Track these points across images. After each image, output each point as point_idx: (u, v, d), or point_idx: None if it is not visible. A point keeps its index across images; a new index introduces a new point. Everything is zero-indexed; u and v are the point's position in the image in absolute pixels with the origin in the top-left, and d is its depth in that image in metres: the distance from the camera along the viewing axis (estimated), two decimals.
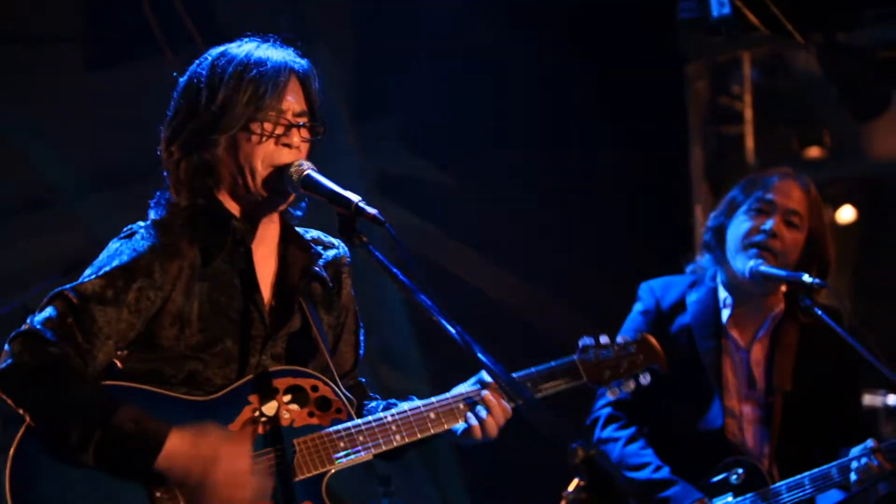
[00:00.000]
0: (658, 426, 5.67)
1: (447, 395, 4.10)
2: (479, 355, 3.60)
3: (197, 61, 4.04)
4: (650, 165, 9.22)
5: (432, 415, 4.05)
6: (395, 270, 3.73)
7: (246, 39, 4.06)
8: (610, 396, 4.37)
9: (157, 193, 4.03)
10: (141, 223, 3.98)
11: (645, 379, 4.36)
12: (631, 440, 5.58)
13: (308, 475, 3.90)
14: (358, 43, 8.67)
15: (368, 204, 3.79)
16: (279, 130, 3.95)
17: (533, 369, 4.20)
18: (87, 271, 3.88)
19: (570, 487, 5.49)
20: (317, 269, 4.13)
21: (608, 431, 5.64)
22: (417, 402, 4.08)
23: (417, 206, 8.73)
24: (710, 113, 9.75)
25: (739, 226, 5.62)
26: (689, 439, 5.57)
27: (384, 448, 3.99)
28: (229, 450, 3.75)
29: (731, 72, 9.71)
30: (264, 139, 3.93)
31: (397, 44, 8.49)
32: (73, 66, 7.73)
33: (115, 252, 3.90)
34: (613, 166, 9.11)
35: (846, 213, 9.93)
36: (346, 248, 4.24)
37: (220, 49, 4.04)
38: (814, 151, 9.71)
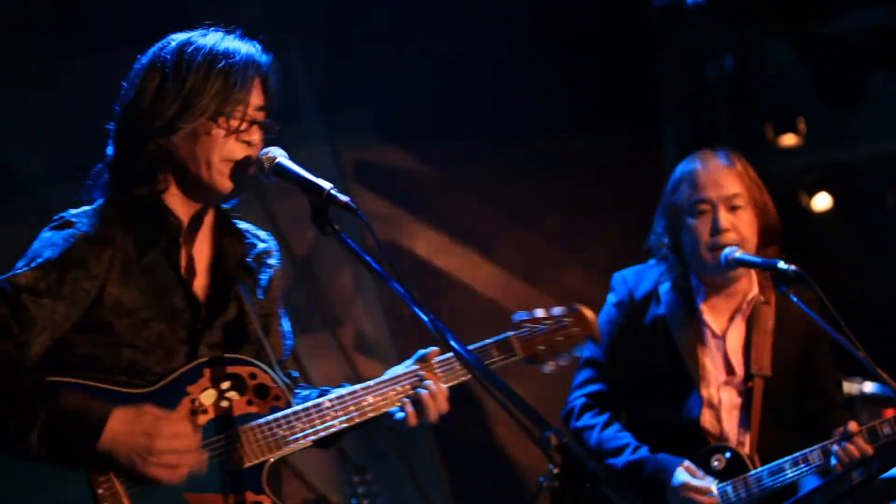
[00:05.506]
0: (635, 418, 5.66)
1: (383, 377, 4.10)
2: (452, 343, 3.59)
3: (158, 45, 4.00)
4: (624, 153, 9.22)
5: (370, 398, 4.04)
6: (367, 258, 3.72)
7: (211, 29, 4.03)
8: (547, 370, 4.31)
9: (95, 175, 4.01)
10: (73, 210, 3.95)
11: (579, 352, 4.33)
12: (606, 425, 5.58)
13: (249, 464, 3.89)
14: (330, 32, 8.65)
15: (340, 191, 3.78)
16: (243, 126, 3.95)
17: (470, 347, 4.13)
18: (20, 262, 3.85)
19: (545, 475, 5.47)
20: (249, 259, 4.12)
21: (584, 420, 5.63)
22: (354, 387, 4.07)
23: (390, 194, 8.72)
24: (684, 101, 9.75)
25: (691, 234, 5.58)
26: (667, 430, 5.56)
27: (323, 434, 3.99)
28: (169, 425, 3.76)
29: (706, 59, 9.71)
30: (226, 134, 3.93)
31: (369, 33, 8.47)
32: (44, 53, 7.69)
33: (48, 242, 3.86)
34: (587, 154, 9.11)
35: (822, 201, 9.94)
36: (275, 242, 4.25)
37: (185, 36, 4.01)
38: (788, 139, 9.71)
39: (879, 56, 9.38)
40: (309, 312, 8.44)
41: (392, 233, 8.55)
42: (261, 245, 4.20)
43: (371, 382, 4.07)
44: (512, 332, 4.28)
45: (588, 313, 4.39)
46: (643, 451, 5.47)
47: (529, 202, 9.12)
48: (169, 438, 3.74)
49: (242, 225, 4.19)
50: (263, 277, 4.17)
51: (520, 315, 4.32)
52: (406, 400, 4.08)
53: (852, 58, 9.33)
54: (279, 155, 3.93)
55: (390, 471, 8.56)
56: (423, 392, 4.08)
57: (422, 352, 4.14)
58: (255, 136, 3.97)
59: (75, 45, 7.70)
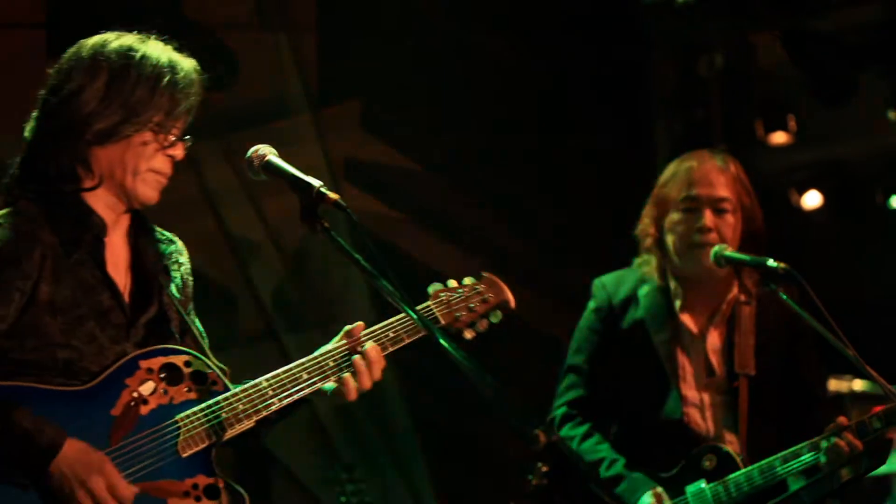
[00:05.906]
0: (619, 421, 5.67)
1: (315, 353, 4.11)
2: (441, 340, 3.59)
3: (97, 42, 4.00)
4: (615, 150, 9.22)
5: (304, 375, 4.05)
6: (355, 256, 3.72)
7: (146, 35, 4.04)
8: (467, 337, 4.33)
9: (11, 174, 3.99)
10: None
11: (496, 318, 4.36)
12: (585, 437, 5.59)
13: (196, 449, 3.91)
14: (319, 28, 8.64)
15: (330, 189, 3.79)
16: (175, 143, 4.00)
17: (392, 320, 4.18)
18: None
19: (533, 473, 5.48)
20: (164, 259, 4.15)
21: (564, 431, 5.64)
22: (288, 365, 4.08)
23: (380, 192, 8.72)
24: (676, 97, 9.76)
25: (675, 228, 5.60)
26: (651, 433, 5.57)
27: (264, 413, 4.00)
28: (113, 477, 3.74)
29: (697, 56, 9.72)
30: (159, 148, 3.97)
31: (359, 29, 8.46)
32: (35, 51, 7.68)
33: None
34: (579, 151, 9.11)
35: (812, 199, 9.96)
36: (182, 245, 4.27)
37: (125, 38, 4.02)
38: (779, 136, 9.73)
39: (870, 53, 9.39)
40: (299, 310, 8.44)
41: (381, 230, 8.53)
42: (172, 246, 4.23)
43: (303, 360, 4.08)
44: (431, 301, 4.29)
45: (498, 280, 4.41)
46: (615, 469, 5.49)
47: (521, 199, 9.12)
48: (105, 488, 3.72)
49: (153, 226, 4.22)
50: (177, 276, 4.19)
51: (434, 286, 4.32)
52: (344, 370, 4.08)
53: (843, 55, 9.35)
54: (269, 152, 3.94)
55: (379, 469, 8.56)
56: (359, 359, 4.08)
57: (348, 327, 4.14)
58: (180, 152, 4.03)
59: (68, 41, 7.68)
